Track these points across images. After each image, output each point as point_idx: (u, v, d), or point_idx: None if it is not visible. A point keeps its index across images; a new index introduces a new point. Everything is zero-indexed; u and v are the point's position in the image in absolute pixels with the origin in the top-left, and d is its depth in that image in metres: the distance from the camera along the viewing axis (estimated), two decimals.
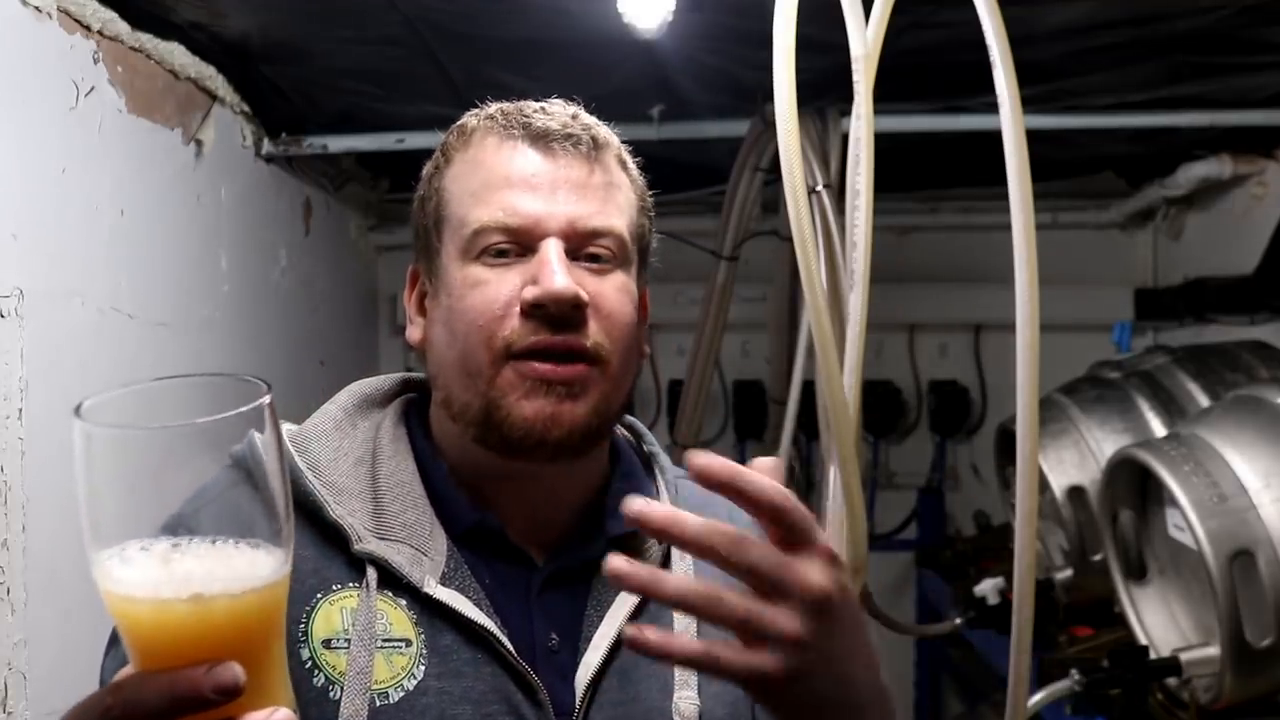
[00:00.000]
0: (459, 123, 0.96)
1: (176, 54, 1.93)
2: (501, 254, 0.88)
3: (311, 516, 0.87)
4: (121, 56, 1.78)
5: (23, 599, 1.48)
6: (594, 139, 0.91)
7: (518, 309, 0.86)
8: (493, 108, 0.94)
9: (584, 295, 0.86)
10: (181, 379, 0.62)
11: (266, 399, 0.58)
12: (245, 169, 2.31)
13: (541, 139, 0.90)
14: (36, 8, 1.55)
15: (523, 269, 0.87)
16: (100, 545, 0.56)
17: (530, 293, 0.86)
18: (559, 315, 0.86)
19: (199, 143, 2.08)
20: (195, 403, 0.59)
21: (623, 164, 0.95)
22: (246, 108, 2.26)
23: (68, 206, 1.64)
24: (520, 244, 0.88)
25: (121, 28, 1.76)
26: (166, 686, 0.54)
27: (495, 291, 0.87)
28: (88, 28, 1.67)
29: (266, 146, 2.37)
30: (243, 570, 0.57)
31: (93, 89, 1.69)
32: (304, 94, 2.32)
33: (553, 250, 0.86)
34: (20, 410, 1.48)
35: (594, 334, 0.87)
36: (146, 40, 1.83)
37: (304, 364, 2.64)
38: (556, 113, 0.92)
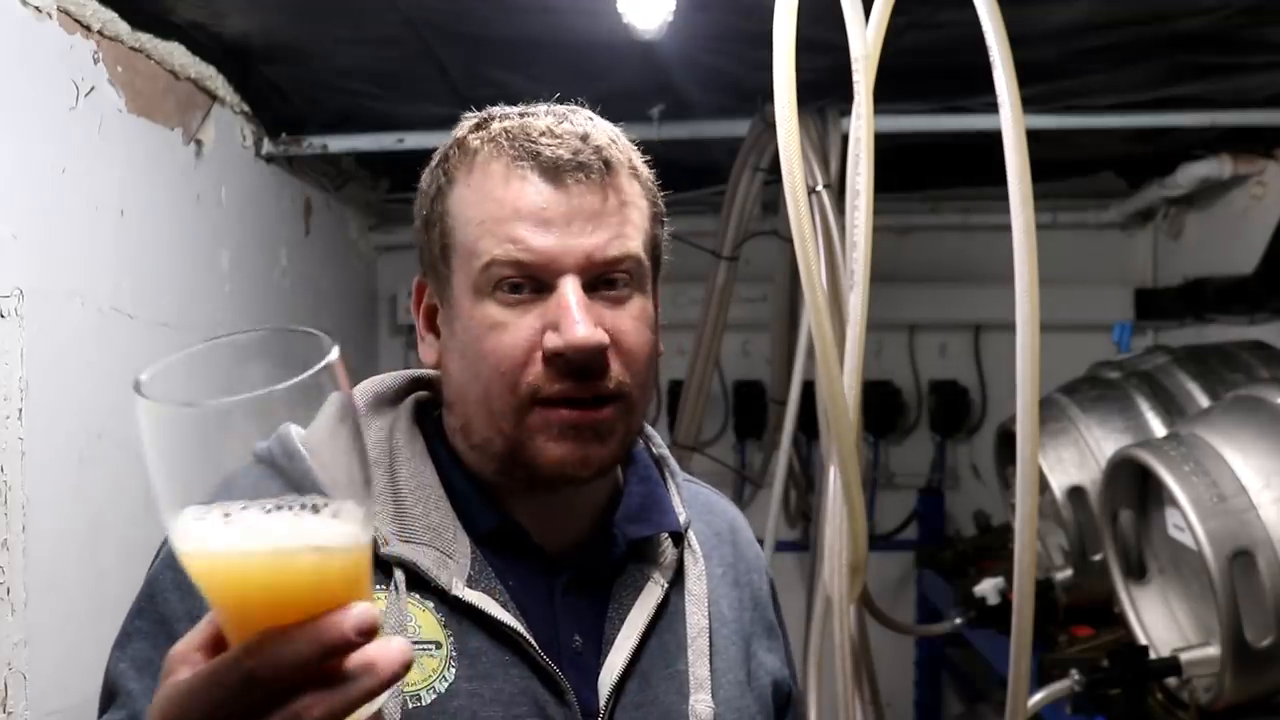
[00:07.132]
0: (458, 137, 0.91)
1: (176, 54, 1.93)
2: (516, 289, 0.85)
3: None
4: (121, 56, 1.78)
5: (23, 599, 1.48)
6: (605, 162, 0.87)
7: (539, 355, 0.85)
8: (495, 126, 0.89)
9: (606, 340, 0.85)
10: (239, 336, 0.61)
11: (334, 357, 0.57)
12: (245, 169, 2.31)
13: (552, 170, 0.85)
14: (36, 8, 1.55)
15: (540, 310, 0.85)
16: (177, 509, 0.54)
17: (552, 342, 0.84)
18: (582, 364, 0.84)
19: (199, 143, 2.08)
20: (255, 360, 0.59)
21: (634, 174, 0.91)
22: (246, 108, 2.26)
23: (68, 206, 1.63)
24: (535, 280, 0.85)
25: (121, 28, 1.75)
26: (314, 635, 0.53)
27: (515, 336, 0.85)
28: (88, 28, 1.67)
29: (266, 146, 2.37)
30: (335, 528, 0.56)
31: (93, 89, 1.69)
32: (304, 94, 2.32)
33: (571, 294, 0.84)
34: (20, 410, 1.47)
35: (616, 374, 0.86)
36: (146, 40, 1.83)
37: None
38: (566, 135, 0.87)
